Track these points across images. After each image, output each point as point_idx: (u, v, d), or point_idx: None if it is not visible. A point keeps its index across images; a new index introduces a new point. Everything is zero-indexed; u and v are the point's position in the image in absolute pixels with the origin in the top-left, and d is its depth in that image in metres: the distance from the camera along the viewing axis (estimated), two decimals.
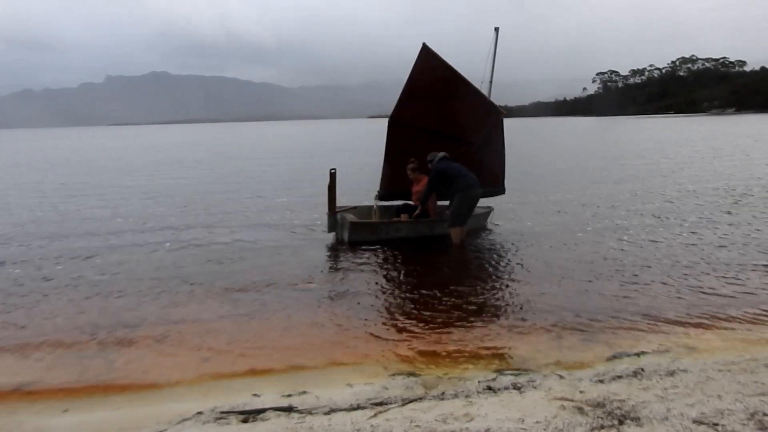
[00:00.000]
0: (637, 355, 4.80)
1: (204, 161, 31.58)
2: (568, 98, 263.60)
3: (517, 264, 8.26)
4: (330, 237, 9.90)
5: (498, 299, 6.69)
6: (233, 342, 5.36)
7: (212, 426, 3.52)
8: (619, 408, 3.46)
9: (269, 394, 4.07)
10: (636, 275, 7.33)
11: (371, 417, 3.51)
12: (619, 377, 4.07)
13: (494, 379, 4.22)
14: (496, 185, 11.14)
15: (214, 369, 4.76)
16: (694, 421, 3.24)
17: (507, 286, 7.34)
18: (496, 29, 10.93)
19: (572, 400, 3.63)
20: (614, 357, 4.79)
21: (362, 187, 14.38)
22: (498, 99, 10.74)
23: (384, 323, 5.86)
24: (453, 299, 6.58)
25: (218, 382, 4.48)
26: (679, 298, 6.41)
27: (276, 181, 20.05)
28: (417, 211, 9.74)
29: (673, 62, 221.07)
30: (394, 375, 4.45)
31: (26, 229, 11.38)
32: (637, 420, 3.28)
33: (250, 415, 3.63)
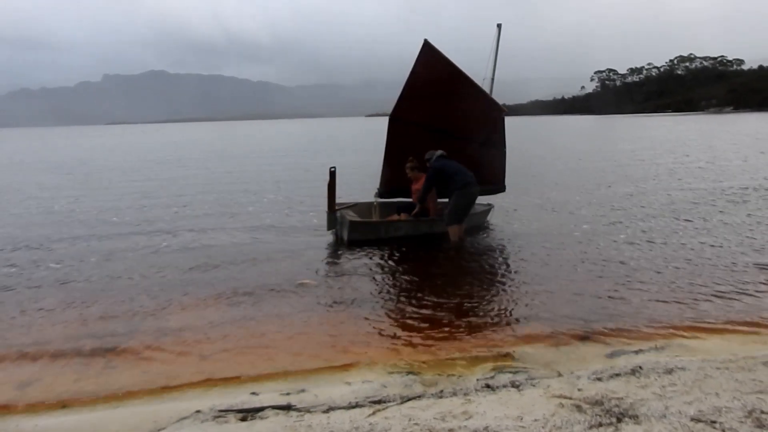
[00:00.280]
0: (635, 353, 4.80)
1: (201, 160, 31.54)
2: (566, 96, 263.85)
3: (516, 262, 8.27)
4: (330, 235, 9.90)
5: (496, 297, 6.70)
6: (231, 340, 5.36)
7: (211, 424, 3.51)
8: (617, 406, 3.46)
9: (268, 393, 4.07)
10: (634, 274, 7.33)
11: (370, 415, 3.51)
12: (618, 375, 4.08)
13: (493, 377, 4.22)
14: (496, 183, 11.14)
15: (213, 368, 4.75)
16: (692, 419, 3.25)
17: (505, 284, 7.35)
18: (499, 26, 10.90)
19: (571, 398, 3.63)
20: (612, 355, 4.80)
21: (362, 185, 14.36)
22: (497, 97, 10.74)
23: (383, 321, 5.86)
24: (451, 297, 6.58)
25: (216, 381, 4.47)
26: (677, 296, 6.41)
27: (275, 180, 20.03)
28: (416, 210, 9.75)
29: (671, 61, 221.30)
30: (392, 373, 4.45)
31: (24, 228, 11.37)
32: (635, 418, 3.29)
33: (248, 414, 3.63)
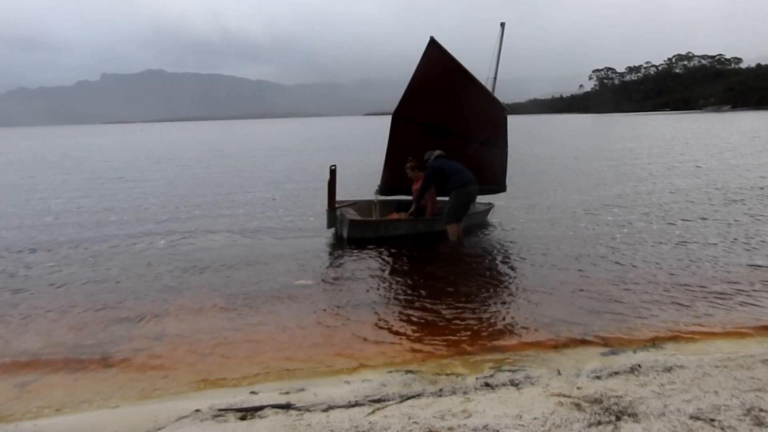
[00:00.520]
0: (634, 351, 4.81)
1: (200, 159, 31.51)
2: (564, 95, 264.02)
3: (515, 261, 8.28)
4: (330, 233, 9.90)
5: (495, 296, 6.70)
6: (230, 339, 5.35)
7: (210, 423, 3.51)
8: (616, 404, 3.47)
9: (267, 392, 4.07)
10: (632, 273, 7.34)
11: (369, 414, 3.52)
12: (616, 373, 4.09)
13: (492, 376, 4.23)
14: (497, 183, 11.14)
15: (212, 367, 4.75)
16: (691, 417, 3.26)
17: (504, 283, 7.35)
18: (502, 25, 10.87)
19: (570, 397, 3.64)
20: (611, 353, 4.80)
21: (360, 184, 14.37)
22: (498, 96, 10.72)
23: (382, 321, 5.86)
24: (450, 296, 6.58)
25: (216, 380, 4.47)
26: (676, 295, 6.42)
27: (274, 178, 20.02)
28: (412, 209, 9.76)
29: (669, 59, 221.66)
30: (391, 372, 4.44)
31: (21, 227, 11.35)
32: (634, 416, 3.29)
33: (248, 413, 3.63)
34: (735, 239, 8.96)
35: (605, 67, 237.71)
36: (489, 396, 3.75)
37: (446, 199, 9.56)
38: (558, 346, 5.05)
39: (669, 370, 4.10)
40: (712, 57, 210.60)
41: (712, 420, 3.21)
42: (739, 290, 6.52)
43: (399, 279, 7.53)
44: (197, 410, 3.69)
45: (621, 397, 3.59)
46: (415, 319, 5.87)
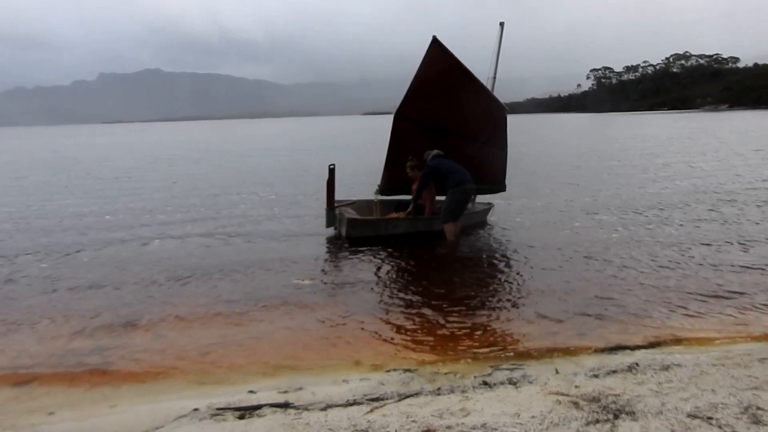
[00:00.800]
0: (632, 349, 4.82)
1: (198, 158, 31.49)
2: (562, 95, 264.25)
3: (512, 261, 8.29)
4: (328, 232, 9.89)
5: (493, 295, 6.71)
6: (228, 339, 5.35)
7: (208, 422, 3.51)
8: (614, 402, 3.48)
9: (265, 391, 4.07)
10: (629, 272, 7.35)
11: (367, 412, 3.52)
12: (614, 372, 4.10)
13: (490, 375, 4.23)
14: (496, 182, 11.14)
15: (210, 366, 4.75)
16: (689, 415, 3.26)
17: (502, 282, 7.36)
18: (501, 24, 10.86)
19: (568, 395, 3.65)
20: (609, 352, 4.81)
21: (359, 183, 14.36)
22: (497, 96, 10.72)
23: (380, 319, 5.86)
24: (448, 296, 6.59)
25: (214, 379, 4.47)
26: (673, 294, 6.43)
27: (272, 177, 20.03)
28: (409, 209, 9.77)
29: (666, 59, 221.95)
30: (390, 371, 4.45)
31: (14, 230, 11.33)
32: (632, 414, 3.30)
33: (246, 412, 3.63)
34: (729, 239, 8.96)
35: (603, 67, 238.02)
36: (487, 395, 3.76)
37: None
38: (556, 344, 5.05)
39: (666, 368, 4.11)
40: (710, 56, 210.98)
41: (710, 418, 3.22)
42: (738, 288, 6.53)
43: (397, 278, 7.53)
44: (195, 409, 3.69)
45: (619, 395, 3.60)
46: (413, 318, 5.87)
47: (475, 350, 4.96)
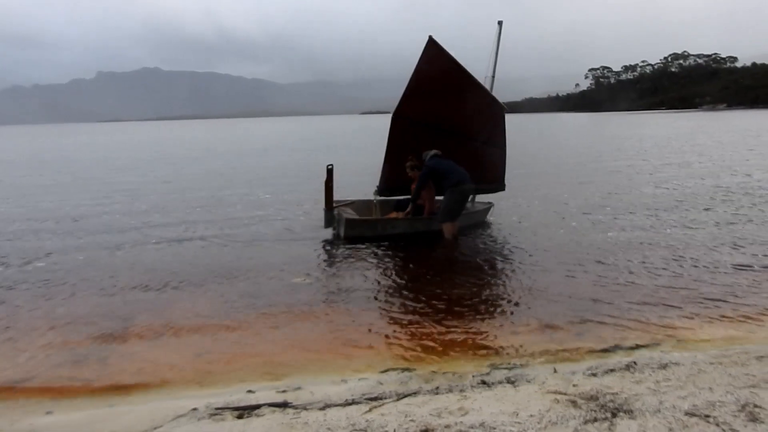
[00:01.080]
0: (630, 348, 4.83)
1: (196, 158, 31.46)
2: (560, 94, 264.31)
3: (510, 260, 8.29)
4: (327, 233, 9.89)
5: (491, 294, 6.72)
6: (227, 338, 5.35)
7: (207, 422, 3.51)
8: (612, 401, 3.49)
9: (264, 390, 4.07)
10: (627, 271, 7.36)
11: (366, 412, 3.52)
12: (612, 371, 4.10)
13: (488, 374, 4.24)
14: (496, 182, 11.14)
15: (208, 365, 4.75)
16: (687, 413, 3.27)
17: (500, 281, 7.38)
18: (500, 23, 10.84)
19: (566, 394, 3.65)
20: (607, 351, 4.82)
21: (358, 183, 14.36)
22: (496, 95, 10.71)
23: (378, 319, 5.87)
24: (447, 295, 6.60)
25: (212, 379, 4.47)
26: (671, 293, 6.45)
27: (270, 177, 20.01)
28: (408, 209, 9.76)
29: (665, 58, 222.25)
30: (388, 370, 4.45)
31: (16, 226, 11.31)
32: (629, 413, 3.31)
33: (245, 411, 3.63)
34: (723, 240, 8.97)
35: (601, 66, 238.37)
36: (485, 394, 3.76)
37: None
38: (554, 344, 5.06)
39: (664, 367, 4.12)
40: (708, 56, 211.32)
41: (707, 416, 3.23)
42: (735, 287, 6.55)
43: (395, 278, 7.53)
44: (194, 409, 3.69)
45: (617, 394, 3.60)
46: (411, 317, 5.88)
47: (473, 350, 4.97)
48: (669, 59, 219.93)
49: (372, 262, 8.22)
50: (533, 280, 7.15)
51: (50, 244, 9.53)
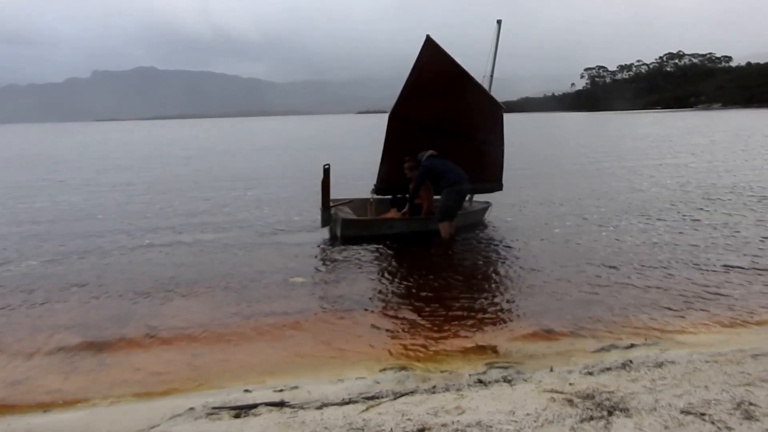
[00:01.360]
0: (626, 347, 4.85)
1: (192, 157, 31.37)
2: (556, 93, 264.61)
3: (508, 260, 8.31)
4: (324, 232, 9.88)
5: (488, 294, 6.73)
6: (223, 338, 5.35)
7: (204, 421, 3.51)
8: (608, 399, 3.50)
9: (261, 390, 4.07)
10: (623, 271, 7.38)
11: (363, 411, 3.53)
12: (608, 369, 4.12)
13: (485, 373, 4.25)
14: (494, 181, 11.13)
15: (205, 365, 4.75)
16: (682, 412, 3.29)
17: (497, 281, 7.39)
18: (499, 22, 10.81)
19: (562, 393, 3.66)
20: (603, 349, 4.84)
21: (355, 182, 14.36)
22: (493, 94, 10.70)
23: (375, 319, 5.88)
24: (444, 294, 6.61)
25: (209, 378, 4.47)
26: (667, 292, 6.48)
27: (267, 176, 19.98)
28: (406, 209, 9.76)
29: (660, 58, 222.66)
30: (385, 369, 4.46)
31: (5, 229, 11.26)
32: (626, 411, 3.32)
33: (242, 411, 3.63)
34: (717, 240, 8.99)
35: (597, 66, 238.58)
36: (482, 393, 3.77)
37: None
38: (550, 343, 5.08)
39: (660, 365, 4.14)
40: (703, 55, 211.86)
41: (703, 414, 3.24)
42: (731, 287, 6.59)
43: (392, 278, 7.53)
44: (191, 408, 3.68)
45: (613, 392, 3.62)
46: (408, 317, 5.88)
47: (470, 349, 4.98)
48: (664, 59, 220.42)
49: (368, 262, 8.22)
50: (530, 280, 7.17)
51: (48, 245, 9.50)
